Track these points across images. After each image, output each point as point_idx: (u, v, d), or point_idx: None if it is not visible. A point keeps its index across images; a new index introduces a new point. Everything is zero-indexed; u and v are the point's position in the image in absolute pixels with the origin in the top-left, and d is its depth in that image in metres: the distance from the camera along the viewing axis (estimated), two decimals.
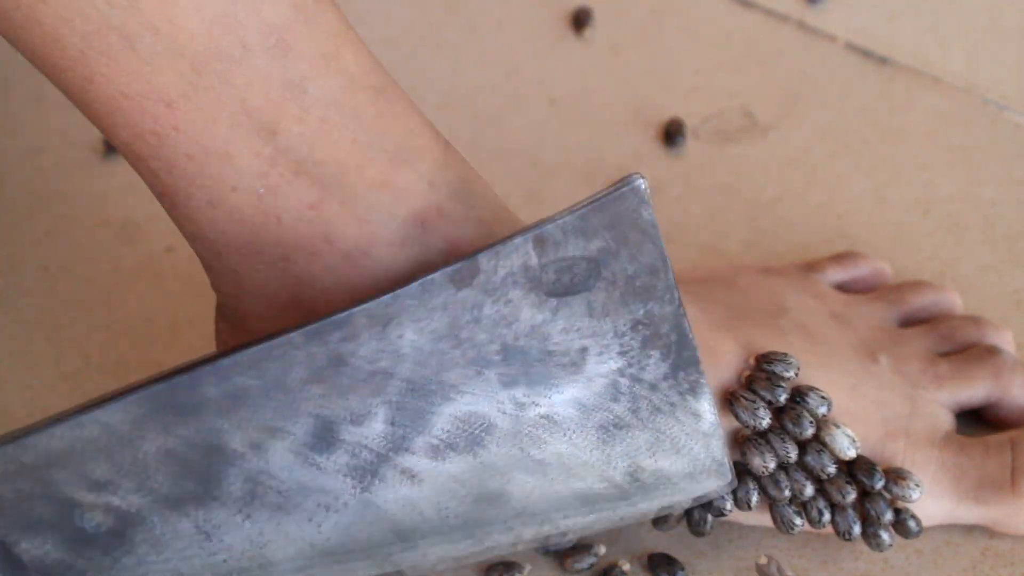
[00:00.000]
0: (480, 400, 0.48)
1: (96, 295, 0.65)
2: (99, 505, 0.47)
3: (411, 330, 0.47)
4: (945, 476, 0.54)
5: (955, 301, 0.61)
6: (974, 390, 0.57)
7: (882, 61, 0.73)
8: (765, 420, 0.51)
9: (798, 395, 0.52)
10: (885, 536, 0.52)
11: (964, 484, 0.54)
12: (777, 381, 0.51)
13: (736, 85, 0.73)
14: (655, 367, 0.48)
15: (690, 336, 0.48)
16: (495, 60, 0.75)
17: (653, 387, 0.49)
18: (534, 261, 0.47)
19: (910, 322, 0.60)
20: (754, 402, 0.51)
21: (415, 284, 0.46)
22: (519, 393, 0.48)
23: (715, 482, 0.50)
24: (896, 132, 0.70)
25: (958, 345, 0.58)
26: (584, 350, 0.48)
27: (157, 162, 0.47)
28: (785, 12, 0.76)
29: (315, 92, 0.47)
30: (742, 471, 0.52)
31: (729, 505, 0.52)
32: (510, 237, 0.47)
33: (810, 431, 0.51)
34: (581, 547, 0.55)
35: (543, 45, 0.75)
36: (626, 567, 0.54)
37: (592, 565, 0.54)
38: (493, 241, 0.47)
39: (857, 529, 0.52)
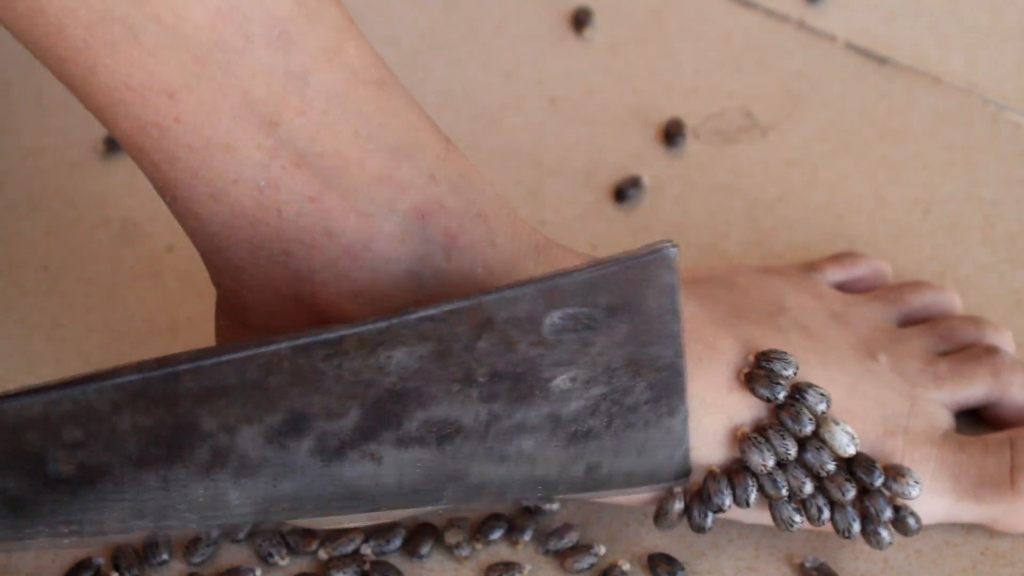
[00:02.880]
0: (456, 410, 0.48)
1: (96, 295, 0.65)
2: (66, 455, 0.47)
3: (401, 352, 0.47)
4: (944, 474, 0.54)
5: (955, 301, 0.61)
6: (973, 389, 0.57)
7: (882, 61, 0.73)
8: (774, 459, 0.52)
9: (797, 392, 0.52)
10: (885, 534, 0.52)
11: (963, 482, 0.54)
12: (776, 379, 0.51)
13: (736, 85, 0.73)
14: (639, 394, 0.49)
15: (683, 374, 0.49)
16: (495, 60, 0.75)
17: (632, 409, 0.50)
18: (542, 316, 0.48)
19: (909, 322, 0.60)
20: (767, 442, 0.51)
21: (413, 317, 0.47)
22: (497, 407, 0.49)
23: (673, 479, 0.51)
24: (896, 132, 0.70)
25: (957, 345, 0.58)
26: (572, 379, 0.49)
27: (159, 154, 0.47)
28: (785, 12, 0.76)
29: (317, 85, 0.47)
30: (741, 468, 0.52)
31: (728, 502, 0.52)
32: (524, 288, 0.48)
33: (809, 428, 0.51)
34: (581, 547, 0.54)
35: (543, 45, 0.75)
36: (626, 567, 0.54)
37: (592, 565, 0.54)
38: (508, 289, 0.48)
39: (856, 527, 0.52)
